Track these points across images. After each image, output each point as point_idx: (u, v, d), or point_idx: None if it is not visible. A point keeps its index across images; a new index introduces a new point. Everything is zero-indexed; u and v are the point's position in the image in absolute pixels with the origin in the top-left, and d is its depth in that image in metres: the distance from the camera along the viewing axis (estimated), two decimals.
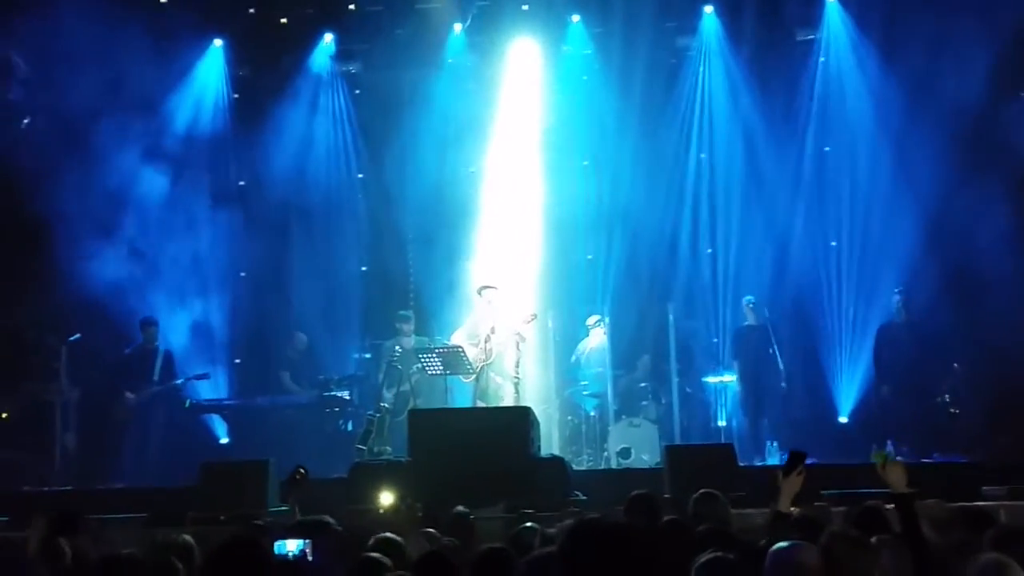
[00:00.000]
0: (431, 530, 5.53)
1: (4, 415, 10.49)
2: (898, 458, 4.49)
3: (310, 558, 4.06)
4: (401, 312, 11.64)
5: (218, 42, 12.69)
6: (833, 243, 11.94)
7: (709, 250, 12.22)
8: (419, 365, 10.74)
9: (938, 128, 10.99)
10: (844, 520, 5.11)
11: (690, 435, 11.10)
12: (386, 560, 4.28)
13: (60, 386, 10.51)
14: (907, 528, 4.18)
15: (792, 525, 5.05)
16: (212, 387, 11.83)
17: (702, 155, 12.38)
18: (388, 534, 4.93)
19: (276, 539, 4.22)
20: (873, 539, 4.33)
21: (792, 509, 5.08)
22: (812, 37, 12.36)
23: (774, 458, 10.12)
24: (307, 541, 4.10)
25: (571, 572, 2.62)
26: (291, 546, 4.09)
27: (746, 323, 11.23)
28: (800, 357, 11.29)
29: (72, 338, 10.70)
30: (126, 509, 8.42)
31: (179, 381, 11.02)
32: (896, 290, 10.79)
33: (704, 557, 3.60)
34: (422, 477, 8.43)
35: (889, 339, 10.74)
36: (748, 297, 11.23)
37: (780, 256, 11.67)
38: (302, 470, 6.54)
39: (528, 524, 5.60)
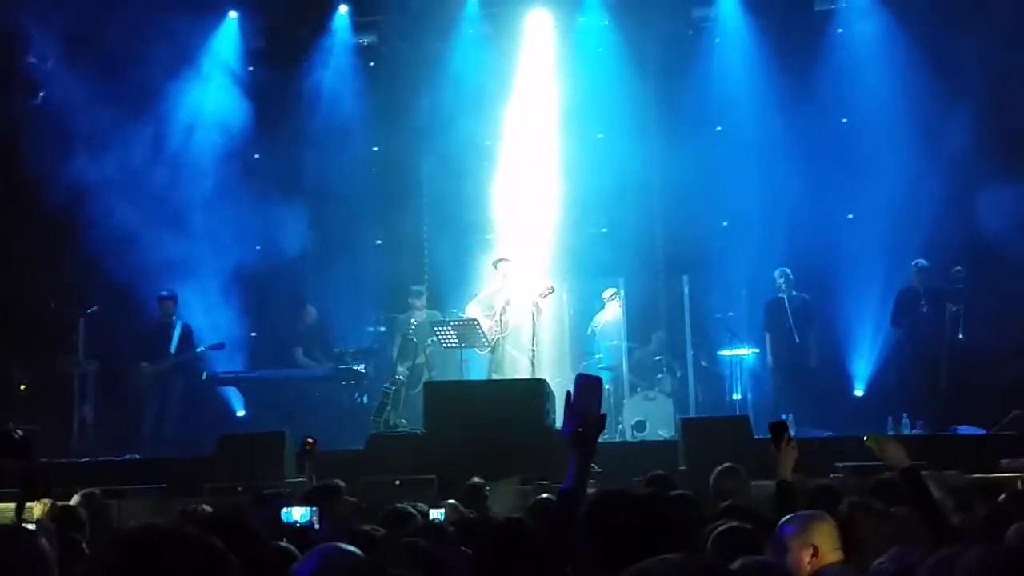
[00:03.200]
0: (452, 501, 5.56)
1: (22, 387, 10.55)
2: (891, 432, 4.48)
3: (317, 526, 4.07)
4: (414, 287, 11.64)
5: (233, 14, 12.66)
6: (850, 215, 11.86)
7: (725, 223, 12.15)
8: (434, 338, 10.75)
9: (960, 97, 10.87)
10: (860, 491, 5.10)
11: (705, 408, 11.09)
12: (413, 510, 4.30)
13: (78, 358, 10.56)
14: (919, 500, 4.16)
15: (808, 496, 5.05)
16: (228, 360, 11.88)
17: (718, 127, 12.30)
18: (402, 504, 4.96)
19: (284, 507, 4.23)
20: (892, 510, 4.32)
21: (805, 479, 5.08)
22: (831, 7, 12.24)
23: (790, 430, 10.07)
24: (314, 509, 4.11)
25: (593, 541, 2.63)
26: (297, 514, 4.10)
27: (778, 295, 11.12)
28: (816, 330, 11.23)
29: (89, 310, 10.74)
30: (143, 480, 8.49)
31: (198, 350, 11.06)
32: (914, 262, 10.72)
33: (721, 527, 3.60)
34: (437, 449, 8.46)
35: (909, 304, 10.69)
36: (779, 269, 11.11)
37: (797, 228, 11.59)
38: (311, 440, 6.60)
39: (544, 495, 5.62)
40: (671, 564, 1.68)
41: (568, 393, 2.94)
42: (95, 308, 10.79)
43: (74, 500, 5.75)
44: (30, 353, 10.88)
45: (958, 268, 10.54)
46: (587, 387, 2.93)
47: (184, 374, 11.05)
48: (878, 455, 4.20)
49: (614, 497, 2.78)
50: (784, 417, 10.16)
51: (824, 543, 3.53)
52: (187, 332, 11.12)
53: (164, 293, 11.16)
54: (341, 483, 5.36)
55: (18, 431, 3.60)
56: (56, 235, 11.19)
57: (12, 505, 3.87)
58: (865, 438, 4.32)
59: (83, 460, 9.61)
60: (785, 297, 10.95)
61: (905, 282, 10.88)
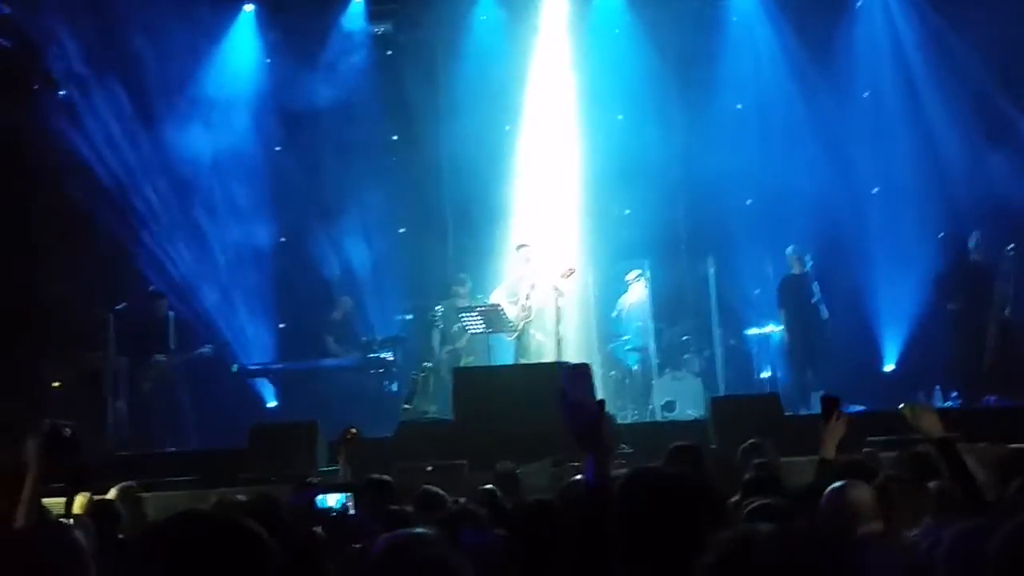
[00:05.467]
0: (490, 486, 5.58)
1: (56, 384, 10.67)
2: (924, 402, 4.46)
3: (351, 512, 4.10)
4: (459, 274, 11.63)
5: (249, 7, 12.70)
6: (875, 189, 11.78)
7: (748, 201, 12.09)
8: (460, 324, 10.78)
9: (983, 70, 10.76)
10: (895, 465, 5.08)
11: (734, 387, 11.08)
12: (443, 493, 4.34)
13: (109, 354, 10.65)
14: (954, 471, 4.14)
15: (840, 470, 5.04)
16: (257, 351, 11.97)
17: (738, 105, 12.23)
18: (431, 487, 5.01)
19: (319, 494, 4.27)
20: (930, 484, 4.30)
21: (838, 456, 5.06)
22: None
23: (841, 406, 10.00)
24: (348, 495, 4.14)
25: (628, 520, 2.63)
26: (332, 500, 4.13)
27: (791, 272, 11.11)
28: (843, 306, 11.18)
29: (118, 306, 10.82)
30: (177, 473, 8.57)
31: (203, 351, 11.09)
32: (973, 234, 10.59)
33: (754, 502, 3.60)
34: (468, 435, 8.50)
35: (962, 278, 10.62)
36: (790, 247, 11.11)
37: (821, 205, 11.52)
38: (353, 430, 6.62)
39: (577, 476, 5.64)
40: (789, 534, 1.63)
41: (560, 388, 2.88)
42: (124, 304, 10.87)
43: (111, 494, 5.82)
44: (61, 350, 10.99)
45: (1011, 246, 10.44)
46: (575, 376, 2.88)
47: (191, 371, 11.10)
48: (912, 424, 4.17)
49: (644, 477, 2.78)
50: (814, 394, 10.13)
51: (864, 510, 3.54)
52: (181, 326, 11.17)
53: (153, 290, 11.21)
54: (388, 478, 5.41)
55: (67, 428, 3.63)
56: (82, 230, 11.27)
57: (62, 500, 3.93)
58: (900, 406, 4.29)
59: (119, 455, 9.71)
60: (798, 274, 10.93)
61: (957, 256, 10.78)
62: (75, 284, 10.96)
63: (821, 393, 9.65)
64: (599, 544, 2.79)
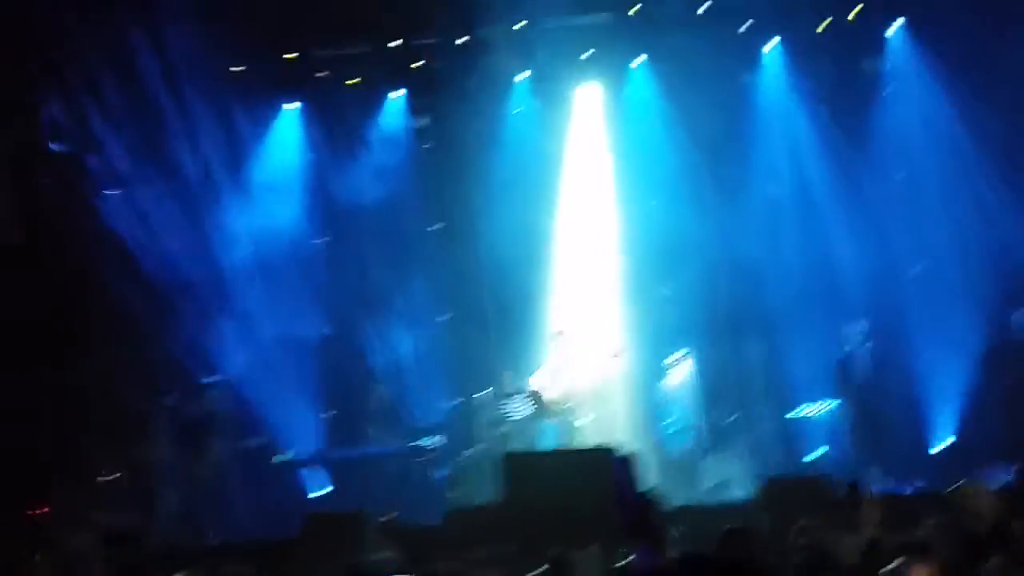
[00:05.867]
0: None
1: (106, 477, 10.78)
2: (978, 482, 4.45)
3: None
4: (504, 372, 11.70)
5: (292, 105, 13.06)
6: (916, 268, 11.79)
7: (788, 283, 12.09)
8: (502, 411, 10.84)
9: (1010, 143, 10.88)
10: (948, 545, 5.05)
11: (782, 468, 10.97)
12: None
13: (157, 445, 10.78)
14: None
15: (894, 551, 5.02)
16: (303, 442, 12.07)
17: (772, 189, 12.34)
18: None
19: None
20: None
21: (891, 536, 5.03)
22: (878, 68, 12.31)
23: (877, 484, 9.90)
24: None
25: None
26: None
27: (850, 349, 11.07)
28: (891, 384, 11.12)
29: (166, 398, 10.98)
30: (229, 562, 8.57)
31: (255, 444, 11.18)
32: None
33: None
34: (516, 520, 8.46)
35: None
36: (853, 323, 11.08)
37: (862, 286, 11.54)
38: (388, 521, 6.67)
39: (627, 561, 5.62)
40: None
41: (614, 481, 2.93)
42: (172, 395, 11.03)
43: None
44: (110, 442, 11.14)
45: None
46: (622, 467, 2.94)
47: (242, 463, 11.18)
48: (965, 506, 4.18)
49: (696, 565, 2.82)
50: (863, 472, 10.04)
51: None
52: (234, 418, 11.30)
53: (208, 381, 11.38)
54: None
55: (122, 523, 3.74)
56: (131, 325, 11.48)
57: None
58: (952, 488, 4.30)
59: (170, 545, 9.76)
60: (855, 352, 10.89)
61: (1001, 333, 10.77)
62: (123, 377, 11.15)
63: (878, 472, 9.64)
64: None
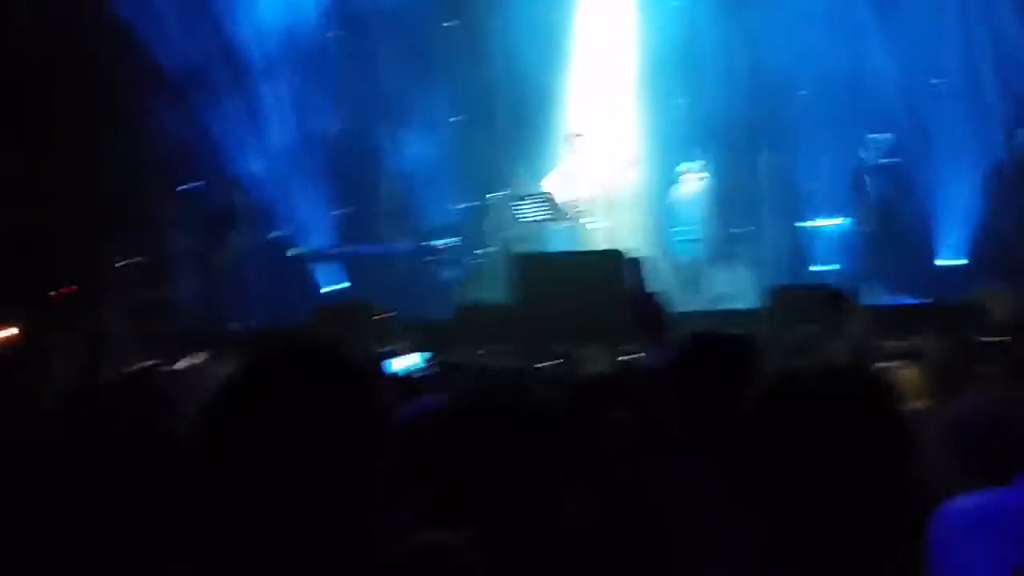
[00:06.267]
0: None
1: (120, 264, 10.97)
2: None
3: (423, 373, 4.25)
4: (514, 166, 11.68)
5: None
6: (934, 81, 11.55)
7: (803, 92, 11.90)
8: (513, 213, 10.91)
9: None
10: (948, 353, 5.17)
11: (787, 280, 11.08)
12: None
13: (173, 235, 10.94)
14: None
15: (890, 355, 5.15)
16: (314, 237, 12.22)
17: None
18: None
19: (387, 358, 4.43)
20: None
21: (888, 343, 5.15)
22: None
23: (876, 299, 10.02)
24: (426, 355, 4.27)
25: (687, 378, 2.78)
26: (401, 364, 4.28)
27: (869, 163, 10.98)
28: (904, 198, 11.10)
29: (181, 188, 11.04)
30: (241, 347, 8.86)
31: (274, 235, 11.34)
32: None
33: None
34: (525, 319, 8.69)
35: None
36: (872, 136, 10.96)
37: (880, 94, 11.33)
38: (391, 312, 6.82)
39: (634, 357, 5.80)
40: (830, 370, 1.71)
41: (626, 282, 3.02)
42: (187, 186, 11.08)
43: (180, 364, 6.07)
44: (126, 233, 11.28)
45: None
46: (628, 273, 3.04)
47: (260, 256, 11.36)
48: (989, 305, 4.28)
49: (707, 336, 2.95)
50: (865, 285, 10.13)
51: (910, 389, 3.67)
52: (255, 213, 11.40)
53: (227, 176, 11.43)
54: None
55: (144, 296, 3.86)
56: (145, 116, 11.43)
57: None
58: (974, 291, 4.38)
59: (185, 332, 10.05)
60: (873, 166, 10.82)
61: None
62: (138, 169, 11.18)
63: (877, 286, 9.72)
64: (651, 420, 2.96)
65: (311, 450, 1.60)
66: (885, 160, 10.85)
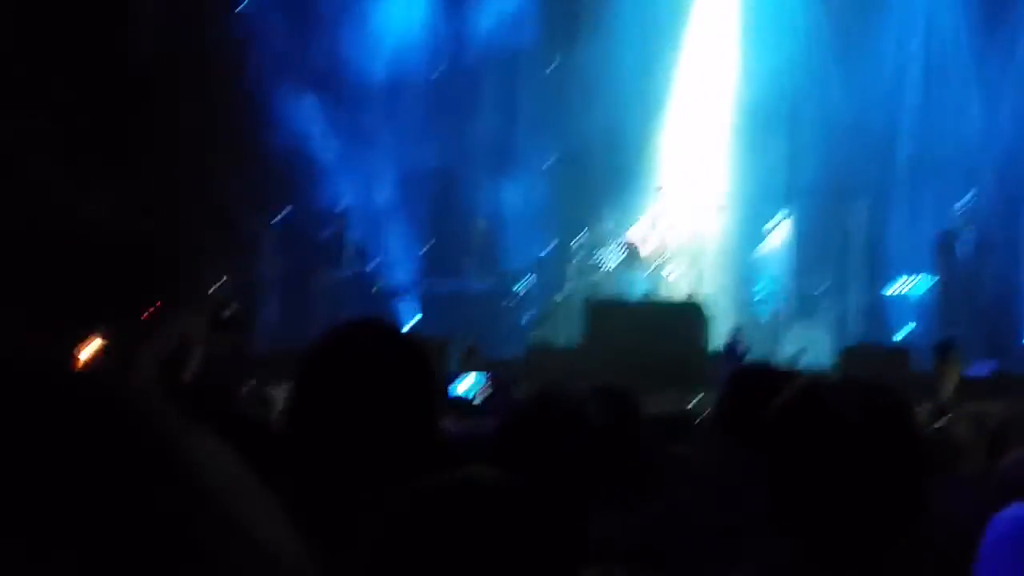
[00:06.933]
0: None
1: (218, 285, 11.27)
2: None
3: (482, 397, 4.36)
4: (601, 210, 11.78)
5: None
6: None
7: (907, 152, 11.77)
8: (598, 258, 10.99)
9: None
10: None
11: (867, 340, 10.92)
12: None
13: (264, 263, 11.24)
14: None
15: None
16: (400, 273, 12.46)
17: (908, 48, 11.86)
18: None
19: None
20: None
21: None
22: None
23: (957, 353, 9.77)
24: (484, 374, 4.39)
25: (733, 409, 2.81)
26: (462, 388, 4.41)
27: (950, 227, 10.85)
28: (1001, 269, 10.86)
29: (277, 217, 11.35)
30: None
31: (368, 268, 11.60)
32: None
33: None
34: (594, 362, 8.72)
35: None
36: (964, 201, 10.81)
37: (986, 159, 11.15)
38: (471, 345, 6.98)
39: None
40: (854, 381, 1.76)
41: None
42: (282, 215, 11.37)
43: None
44: (226, 254, 11.61)
45: None
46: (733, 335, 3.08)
47: (356, 287, 11.61)
48: None
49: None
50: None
51: (964, 446, 3.63)
52: (360, 246, 11.66)
53: (339, 208, 11.72)
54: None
55: (229, 308, 4.00)
56: (253, 142, 11.77)
57: None
58: None
59: (273, 351, 10.29)
60: (960, 230, 10.65)
61: None
62: (244, 193, 11.48)
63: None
64: None
65: (383, 421, 1.71)
66: (970, 224, 10.66)
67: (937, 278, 10.91)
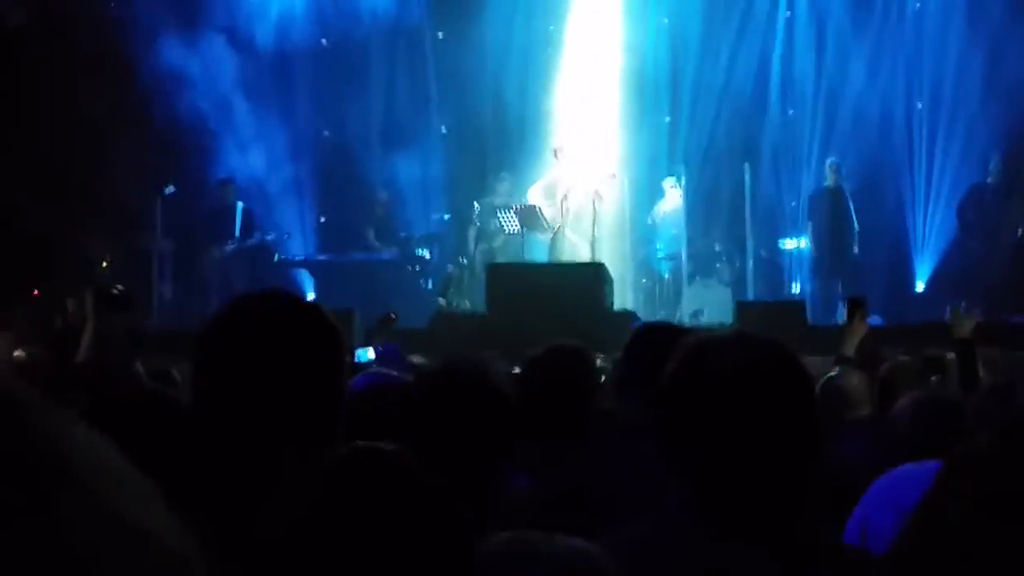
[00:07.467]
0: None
1: (104, 263, 11.01)
2: (974, 313, 4.68)
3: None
4: (499, 173, 11.80)
5: None
6: (919, 105, 11.72)
7: (790, 111, 12.08)
8: (496, 223, 11.00)
9: None
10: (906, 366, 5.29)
11: (763, 298, 11.21)
12: None
13: (155, 236, 10.97)
14: (964, 370, 4.37)
15: (854, 367, 5.25)
16: (299, 244, 12.29)
17: (787, 13, 12.15)
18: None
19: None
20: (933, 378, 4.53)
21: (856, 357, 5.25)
22: None
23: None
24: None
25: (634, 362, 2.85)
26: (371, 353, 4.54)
27: (825, 185, 11.19)
28: (878, 224, 11.25)
29: (167, 191, 11.09)
30: None
31: (267, 238, 11.42)
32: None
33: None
34: (499, 329, 8.75)
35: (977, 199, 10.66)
36: (832, 159, 11.14)
37: (862, 117, 11.51)
38: (392, 315, 6.94)
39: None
40: (744, 336, 1.80)
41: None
42: (172, 189, 11.12)
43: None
44: (112, 231, 11.32)
45: None
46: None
47: (248, 258, 11.42)
48: (951, 324, 4.42)
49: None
50: (840, 305, 10.26)
51: (855, 396, 3.77)
52: (249, 216, 11.46)
53: (223, 177, 11.50)
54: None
55: (117, 287, 3.89)
56: (141, 116, 11.48)
57: None
58: (949, 309, 4.56)
59: (164, 333, 10.08)
60: (830, 186, 10.99)
61: (980, 176, 10.81)
62: (129, 168, 11.20)
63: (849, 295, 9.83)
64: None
65: (290, 390, 1.69)
66: (841, 183, 11.01)
67: (811, 233, 11.22)
